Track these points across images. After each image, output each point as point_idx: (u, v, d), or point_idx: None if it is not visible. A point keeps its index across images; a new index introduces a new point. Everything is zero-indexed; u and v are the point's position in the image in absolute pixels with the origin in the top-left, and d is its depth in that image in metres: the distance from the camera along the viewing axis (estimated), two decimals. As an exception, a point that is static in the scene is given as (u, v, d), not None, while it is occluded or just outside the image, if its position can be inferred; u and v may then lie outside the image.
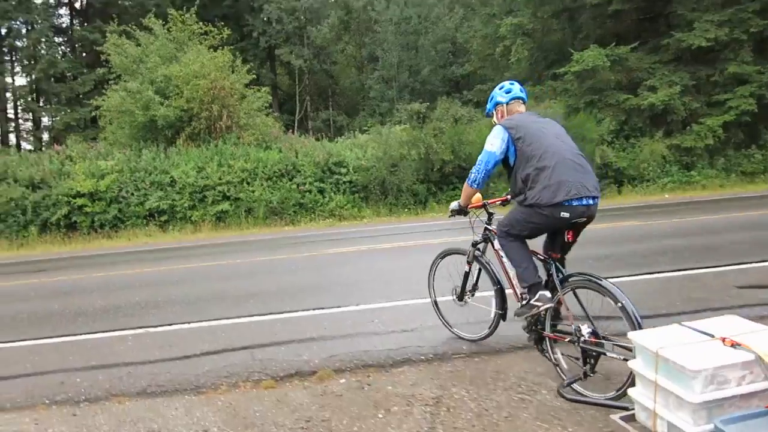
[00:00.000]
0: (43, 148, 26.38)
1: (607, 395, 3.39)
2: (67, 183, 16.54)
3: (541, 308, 3.72)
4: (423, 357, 4.35)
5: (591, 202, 3.56)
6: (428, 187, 18.04)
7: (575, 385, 3.56)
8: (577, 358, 3.55)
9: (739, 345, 2.61)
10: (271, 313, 5.77)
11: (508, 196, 4.29)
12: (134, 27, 20.62)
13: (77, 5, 35.31)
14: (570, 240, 3.75)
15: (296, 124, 32.85)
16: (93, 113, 23.02)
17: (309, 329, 5.16)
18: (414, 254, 8.71)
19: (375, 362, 4.30)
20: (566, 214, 3.52)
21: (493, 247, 4.31)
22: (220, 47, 20.04)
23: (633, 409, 2.98)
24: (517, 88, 4.09)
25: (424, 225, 13.48)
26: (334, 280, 7.22)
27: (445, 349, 4.46)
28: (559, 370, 3.73)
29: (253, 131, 19.14)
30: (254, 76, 20.54)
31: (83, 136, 24.96)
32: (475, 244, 4.50)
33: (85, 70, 30.97)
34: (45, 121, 34.22)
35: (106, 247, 14.35)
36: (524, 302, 3.84)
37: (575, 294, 3.63)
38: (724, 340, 2.68)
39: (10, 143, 32.42)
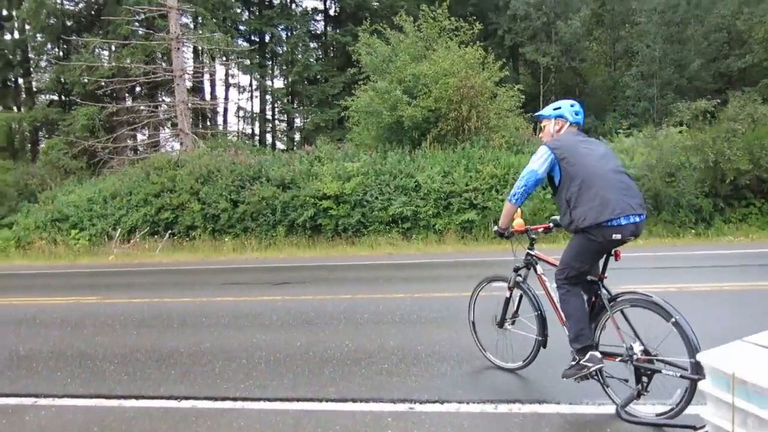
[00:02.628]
0: (294, 148, 27.42)
1: (659, 412, 3.45)
2: (315, 184, 16.30)
3: (592, 369, 3.64)
4: None
5: (638, 219, 3.60)
6: (714, 203, 14.82)
7: (629, 408, 3.53)
8: (626, 380, 3.62)
9: None
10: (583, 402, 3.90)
11: (551, 224, 4.32)
12: (385, 26, 20.18)
13: (331, 12, 36.73)
14: (617, 259, 3.74)
15: (529, 127, 30.57)
16: (341, 114, 23.12)
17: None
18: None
19: None
20: (618, 236, 3.54)
21: (536, 272, 4.36)
22: (471, 43, 18.66)
23: (700, 427, 3.04)
24: (582, 114, 4.07)
25: (721, 253, 10.61)
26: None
27: None
28: (610, 392, 3.72)
29: (503, 133, 17.43)
30: (506, 72, 18.81)
31: (331, 136, 25.34)
32: (516, 270, 4.48)
33: (335, 73, 31.82)
34: (297, 122, 36.10)
35: (349, 254, 13.64)
36: (573, 363, 3.76)
37: (623, 313, 3.66)
38: None
39: (267, 143, 34.68)
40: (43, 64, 29.08)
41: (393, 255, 13.10)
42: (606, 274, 3.79)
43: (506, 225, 4.24)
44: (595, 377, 3.74)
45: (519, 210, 4.33)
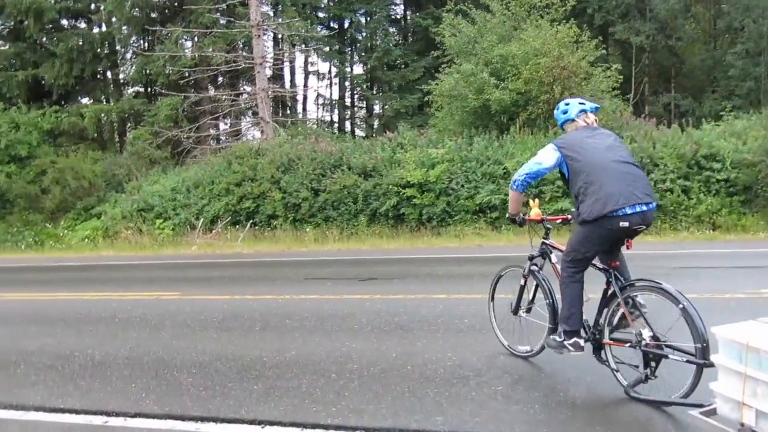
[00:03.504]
0: (374, 135, 26.85)
1: (674, 396, 3.49)
2: (398, 172, 15.63)
3: (571, 352, 3.92)
4: None
5: (645, 207, 3.68)
6: None
7: (637, 389, 3.66)
8: (637, 366, 3.68)
9: None
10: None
11: (569, 216, 4.40)
12: (470, 6, 19.21)
13: (411, -5, 35.86)
14: (628, 247, 3.86)
15: (630, 109, 28.67)
16: (425, 98, 22.33)
17: None
18: None
19: None
20: (625, 224, 3.65)
21: (550, 261, 4.44)
22: (564, 21, 17.44)
23: (708, 404, 3.05)
24: (571, 105, 4.20)
25: None
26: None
27: None
28: (619, 377, 3.82)
29: (599, 116, 16.13)
30: (603, 50, 17.50)
31: (411, 123, 24.58)
32: (531, 259, 4.57)
33: (415, 57, 31.01)
34: (376, 108, 35.53)
35: (435, 246, 12.92)
36: (559, 339, 3.99)
37: (634, 300, 3.75)
38: None
39: (346, 130, 34.30)
40: (128, 56, 29.66)
41: (483, 247, 12.27)
42: (617, 261, 3.92)
43: (516, 210, 4.43)
44: (606, 362, 3.94)
45: (537, 200, 4.85)
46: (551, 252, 4.44)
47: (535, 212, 4.57)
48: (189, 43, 26.71)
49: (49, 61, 25.46)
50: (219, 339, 5.70)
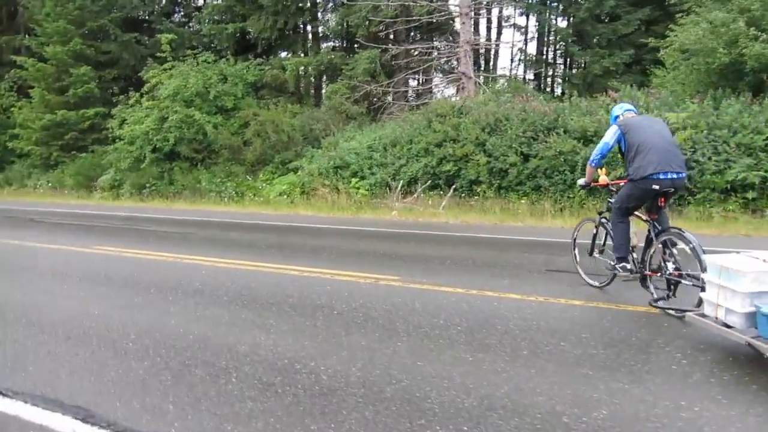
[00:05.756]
0: (576, 95, 24.15)
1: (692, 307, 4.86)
2: (627, 138, 13.35)
3: (620, 274, 5.66)
4: None
5: (675, 176, 5.16)
6: None
7: (661, 303, 5.27)
8: (665, 289, 5.30)
9: None
10: None
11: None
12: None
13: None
14: (662, 205, 5.39)
15: None
16: (644, 54, 19.36)
17: None
18: None
19: None
20: (656, 186, 5.17)
21: None
22: None
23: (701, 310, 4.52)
24: (627, 106, 6.06)
25: None
26: None
27: None
28: (652, 294, 5.45)
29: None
30: None
31: (621, 81, 21.65)
32: (600, 213, 6.39)
33: (629, 9, 27.44)
34: (580, 65, 32.34)
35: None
36: (612, 263, 5.80)
37: (665, 242, 5.26)
38: (765, 260, 4.04)
39: (546, 89, 31.66)
40: (329, 6, 29.30)
41: (752, 237, 9.82)
42: (656, 215, 5.45)
43: (589, 181, 6.25)
44: (648, 289, 5.54)
45: (604, 169, 6.42)
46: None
47: (602, 179, 6.14)
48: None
49: (256, 14, 25.71)
50: (477, 365, 4.25)
